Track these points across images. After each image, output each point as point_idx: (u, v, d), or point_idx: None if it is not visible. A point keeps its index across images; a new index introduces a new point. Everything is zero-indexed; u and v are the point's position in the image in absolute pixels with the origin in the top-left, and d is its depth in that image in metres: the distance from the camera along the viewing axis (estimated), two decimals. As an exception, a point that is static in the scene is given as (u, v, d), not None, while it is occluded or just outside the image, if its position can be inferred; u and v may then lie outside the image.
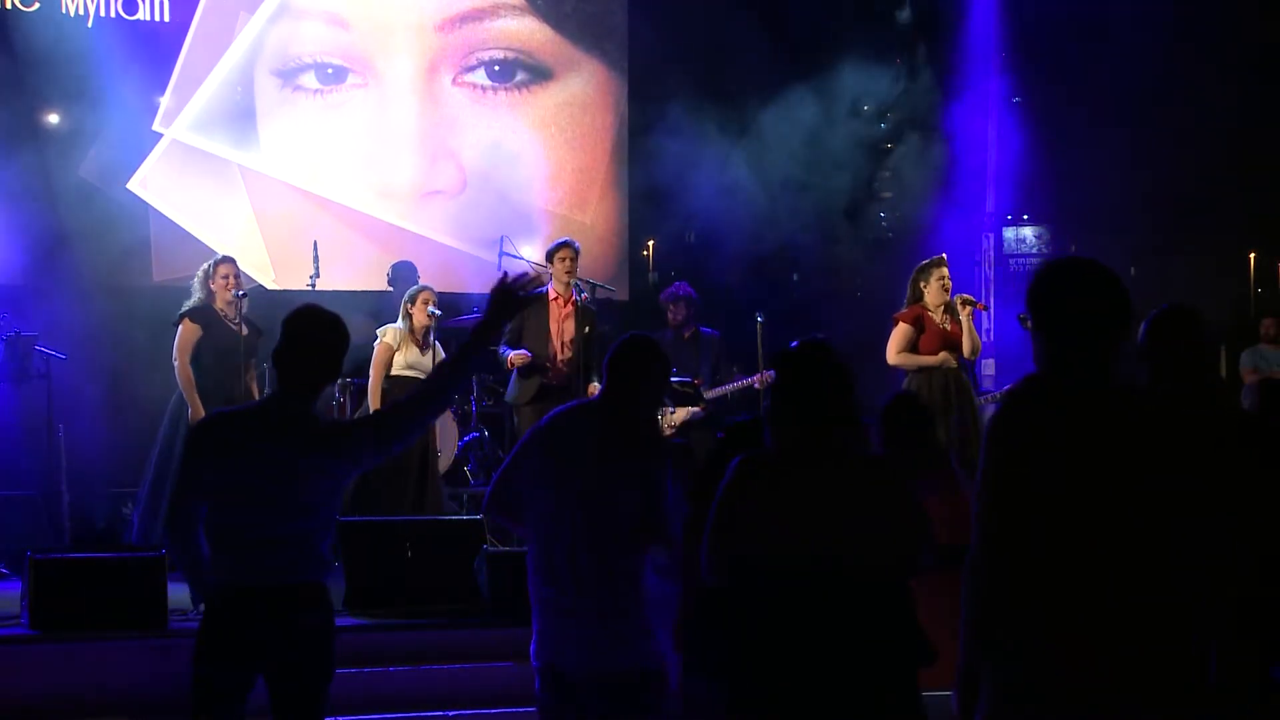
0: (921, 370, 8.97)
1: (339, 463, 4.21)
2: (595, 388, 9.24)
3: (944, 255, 9.44)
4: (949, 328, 9.04)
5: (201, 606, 4.31)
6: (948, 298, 9.11)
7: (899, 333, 9.06)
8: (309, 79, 11.53)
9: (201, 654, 4.15)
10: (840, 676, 3.65)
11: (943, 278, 9.13)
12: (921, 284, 9.13)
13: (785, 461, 3.81)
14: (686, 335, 10.11)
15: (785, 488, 3.75)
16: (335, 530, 4.33)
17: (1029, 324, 3.27)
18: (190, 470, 4.26)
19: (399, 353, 8.91)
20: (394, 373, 8.89)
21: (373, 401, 8.87)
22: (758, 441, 4.03)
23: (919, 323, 9.03)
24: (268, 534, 4.12)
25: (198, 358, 8.58)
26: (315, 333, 4.26)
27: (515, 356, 9.18)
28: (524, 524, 4.52)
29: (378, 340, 8.91)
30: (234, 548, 4.16)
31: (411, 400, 4.33)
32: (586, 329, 9.31)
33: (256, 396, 8.69)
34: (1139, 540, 3.07)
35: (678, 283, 10.41)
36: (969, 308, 9.10)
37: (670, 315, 10.14)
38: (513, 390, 9.41)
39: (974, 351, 9.15)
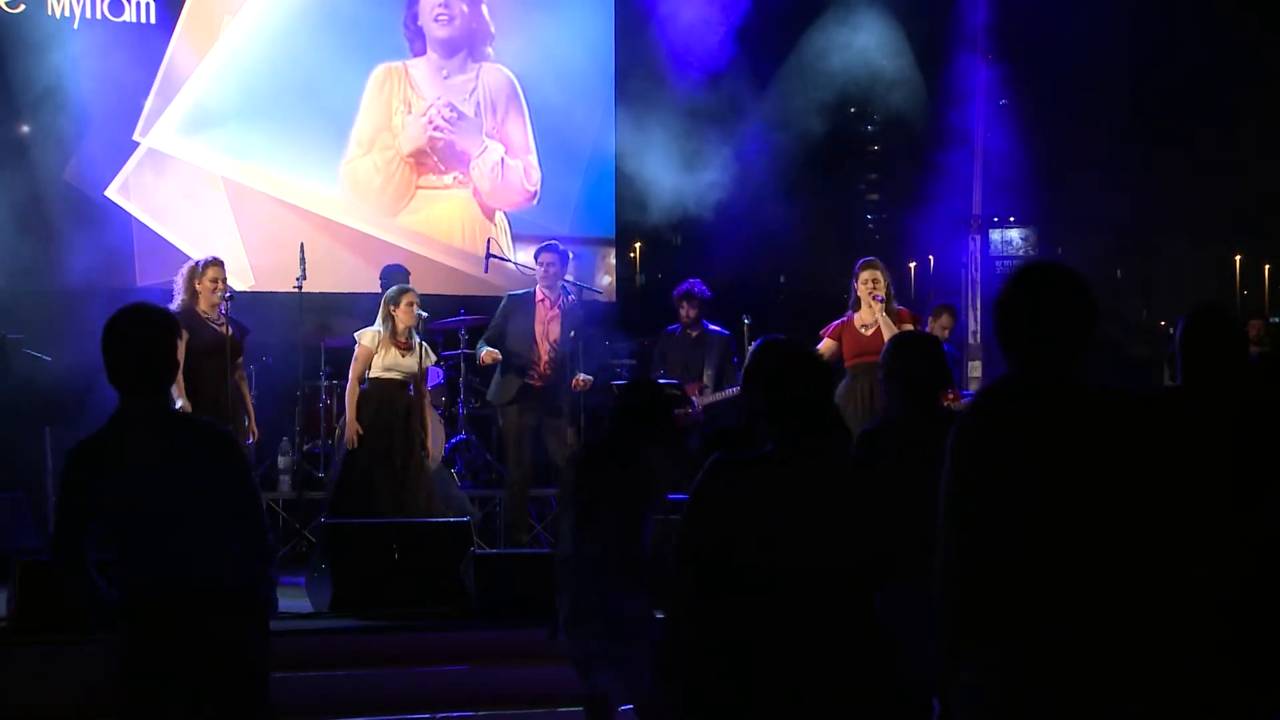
0: (853, 375, 8.55)
1: (206, 471, 4.00)
2: (582, 379, 9.20)
3: (872, 258, 8.94)
4: (868, 335, 8.57)
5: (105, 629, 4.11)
6: (874, 303, 8.63)
7: (821, 349, 8.63)
8: (274, 83, 11.26)
9: (129, 672, 4.00)
10: (817, 680, 3.60)
11: (865, 281, 8.74)
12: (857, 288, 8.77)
13: (763, 462, 3.77)
14: (694, 334, 10.04)
15: (763, 489, 3.70)
16: (262, 541, 4.07)
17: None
18: (70, 497, 4.05)
19: (377, 355, 8.80)
20: (373, 374, 8.79)
21: (349, 403, 8.76)
22: (741, 445, 3.99)
23: (841, 336, 8.69)
24: (158, 545, 3.98)
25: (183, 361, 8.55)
26: (136, 331, 4.06)
27: (484, 355, 9.18)
28: None
29: (356, 343, 8.82)
30: (134, 561, 4.02)
31: (252, 545, 4.06)
32: (572, 333, 9.26)
33: (246, 395, 8.69)
34: (1110, 542, 3.06)
35: (691, 280, 10.26)
36: (880, 304, 8.63)
37: (682, 313, 10.05)
38: (494, 390, 9.38)
39: None
